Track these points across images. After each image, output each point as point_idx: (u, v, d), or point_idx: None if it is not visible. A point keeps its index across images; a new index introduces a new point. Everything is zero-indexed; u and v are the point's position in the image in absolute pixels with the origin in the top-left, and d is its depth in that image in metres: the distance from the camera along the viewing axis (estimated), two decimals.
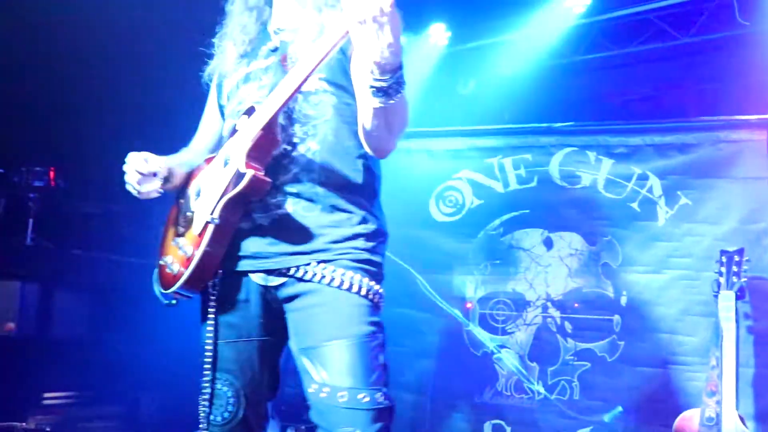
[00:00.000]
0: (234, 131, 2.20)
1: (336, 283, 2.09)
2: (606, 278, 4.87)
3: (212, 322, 2.21)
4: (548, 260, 5.02)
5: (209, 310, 2.22)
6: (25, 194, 6.58)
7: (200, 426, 2.26)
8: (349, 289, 2.10)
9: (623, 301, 4.82)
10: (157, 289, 2.32)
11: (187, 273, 2.14)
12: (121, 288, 6.51)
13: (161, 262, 2.31)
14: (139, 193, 2.30)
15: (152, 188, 2.31)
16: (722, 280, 4.06)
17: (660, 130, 4.94)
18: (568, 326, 4.93)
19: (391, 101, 1.90)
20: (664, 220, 4.81)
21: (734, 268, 4.08)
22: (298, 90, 2.02)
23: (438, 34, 6.57)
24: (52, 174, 6.75)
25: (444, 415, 5.05)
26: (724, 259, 4.10)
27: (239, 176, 2.04)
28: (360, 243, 2.17)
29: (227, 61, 2.39)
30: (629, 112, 6.57)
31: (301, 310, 2.15)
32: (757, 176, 4.65)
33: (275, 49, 2.29)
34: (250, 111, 2.14)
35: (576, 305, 4.92)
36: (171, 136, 6.89)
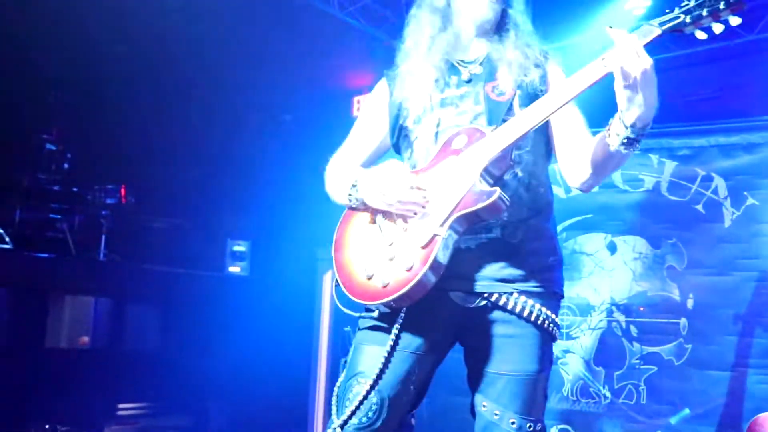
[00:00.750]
0: (445, 149, 2.28)
1: (532, 317, 2.23)
2: (671, 281, 4.87)
3: (396, 331, 2.26)
4: (612, 264, 5.03)
5: (399, 319, 2.26)
6: (98, 211, 6.84)
7: (330, 425, 2.31)
8: (538, 324, 2.24)
9: (690, 303, 4.81)
10: (339, 301, 2.33)
11: (409, 285, 2.12)
12: (189, 300, 6.72)
13: (361, 273, 2.27)
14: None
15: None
16: None
17: (724, 130, 4.92)
18: (633, 330, 4.93)
19: (632, 150, 2.08)
20: (730, 221, 4.79)
21: None
22: (538, 125, 2.14)
23: None
24: (123, 191, 7.00)
25: None
26: None
27: (481, 192, 2.11)
28: (553, 275, 2.33)
29: (412, 84, 2.47)
30: (693, 113, 6.52)
31: (493, 337, 2.26)
32: None
33: (469, 80, 2.41)
34: (471, 133, 2.23)
35: (641, 309, 4.92)
36: (230, 155, 7.13)
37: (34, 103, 6.48)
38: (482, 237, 2.24)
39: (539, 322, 2.23)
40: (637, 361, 4.88)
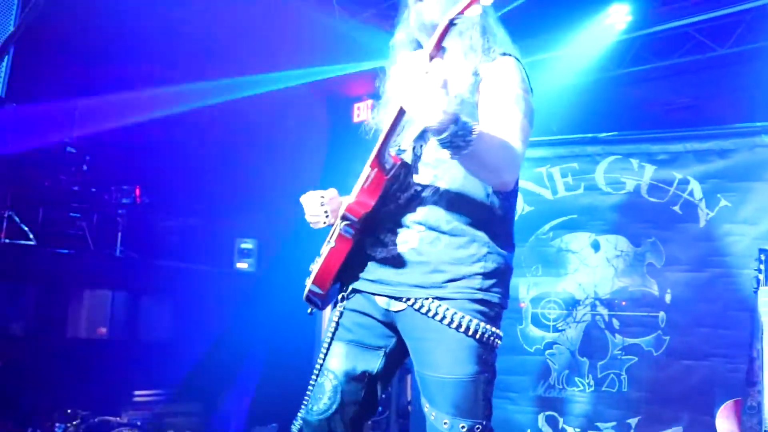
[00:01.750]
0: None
1: (447, 321, 2.16)
2: (651, 277, 4.92)
3: (334, 325, 2.38)
4: (596, 261, 5.07)
5: (334, 318, 2.39)
6: (114, 210, 6.89)
7: (299, 412, 2.41)
8: (463, 330, 2.16)
9: (668, 298, 4.87)
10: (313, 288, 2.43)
11: (313, 275, 2.34)
12: (199, 295, 6.76)
13: (312, 268, 2.44)
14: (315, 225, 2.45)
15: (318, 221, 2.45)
16: (761, 277, 4.06)
17: (699, 137, 4.97)
18: (615, 323, 4.98)
19: (465, 152, 1.92)
20: (705, 221, 4.85)
21: None
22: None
23: None
24: (137, 191, 7.04)
25: (501, 408, 5.14)
26: (762, 257, 4.10)
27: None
28: (476, 283, 2.21)
29: (380, 109, 2.58)
30: (671, 120, 6.61)
31: (417, 340, 2.27)
32: None
33: None
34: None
35: (623, 303, 4.97)
36: (238, 157, 7.15)
37: (55, 108, 6.52)
38: (403, 245, 2.27)
39: (458, 326, 2.16)
40: (619, 352, 4.92)
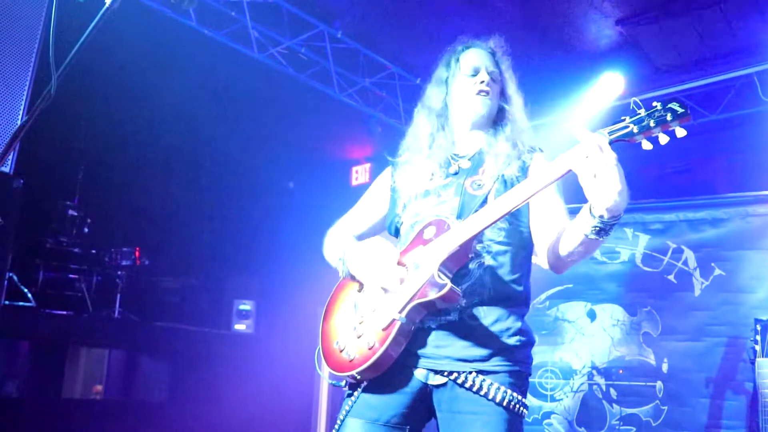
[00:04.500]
0: (417, 239, 2.29)
1: (491, 395, 2.16)
2: (647, 346, 4.89)
3: (353, 400, 2.29)
4: (592, 331, 5.04)
5: (356, 393, 2.30)
6: (114, 272, 6.87)
7: None
8: (500, 404, 2.16)
9: (665, 368, 4.83)
10: (320, 367, 2.36)
11: (368, 363, 2.18)
12: (197, 356, 6.71)
13: (335, 345, 2.32)
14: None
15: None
16: (758, 347, 4.04)
17: (692, 206, 4.99)
18: (613, 392, 4.93)
19: (605, 237, 2.02)
20: (700, 290, 4.83)
21: None
22: (502, 217, 2.13)
23: None
24: (137, 253, 7.04)
25: None
26: (758, 328, 4.08)
27: (435, 284, 2.12)
28: (515, 356, 2.25)
29: (408, 175, 2.51)
30: (665, 185, 6.63)
31: (455, 413, 2.22)
32: None
33: (456, 173, 2.43)
34: (439, 224, 2.24)
35: (620, 372, 4.92)
36: (237, 220, 7.16)
37: (61, 173, 6.56)
38: (442, 319, 2.23)
39: (498, 400, 2.16)
40: (617, 422, 4.87)
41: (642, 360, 4.88)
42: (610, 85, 6.49)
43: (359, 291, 2.37)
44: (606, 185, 1.91)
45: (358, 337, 2.26)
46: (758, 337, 4.08)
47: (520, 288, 2.33)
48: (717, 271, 4.80)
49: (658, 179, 6.73)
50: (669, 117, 1.89)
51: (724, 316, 4.75)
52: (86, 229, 6.88)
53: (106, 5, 2.16)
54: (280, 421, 6.47)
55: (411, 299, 2.17)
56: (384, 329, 2.20)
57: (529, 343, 2.32)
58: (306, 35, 6.31)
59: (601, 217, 1.98)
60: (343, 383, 2.34)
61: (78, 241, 6.80)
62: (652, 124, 1.91)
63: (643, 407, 4.83)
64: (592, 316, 5.05)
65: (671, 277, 4.91)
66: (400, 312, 2.17)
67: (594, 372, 4.99)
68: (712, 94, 6.48)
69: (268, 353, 6.90)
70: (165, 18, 5.41)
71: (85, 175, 6.84)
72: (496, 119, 2.52)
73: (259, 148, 7.41)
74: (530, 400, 5.08)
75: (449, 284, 2.10)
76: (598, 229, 2.00)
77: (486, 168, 2.40)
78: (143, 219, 7.10)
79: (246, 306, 7.25)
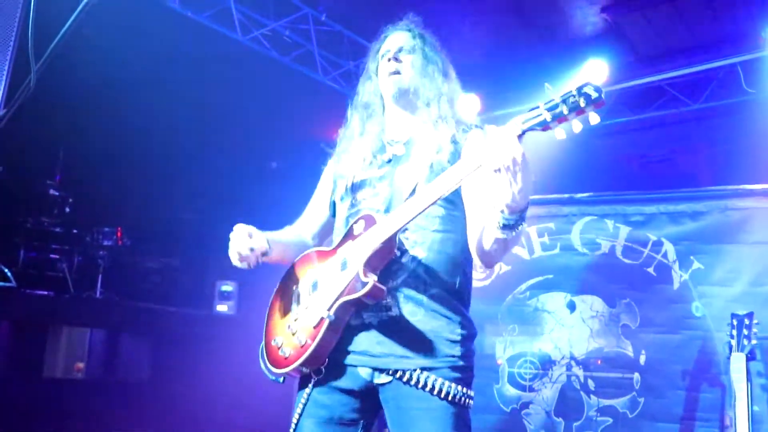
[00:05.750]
0: (348, 233, 2.29)
1: (436, 391, 2.16)
2: (626, 338, 4.89)
3: (304, 401, 2.29)
4: (572, 322, 5.03)
5: (306, 391, 2.30)
6: (95, 252, 6.80)
7: None
8: (446, 398, 2.16)
9: (642, 360, 4.84)
10: (264, 364, 2.37)
11: (300, 360, 2.20)
12: (178, 336, 6.68)
13: (273, 343, 2.34)
14: (239, 262, 2.35)
15: (251, 261, 2.33)
16: (733, 342, 4.05)
17: (672, 199, 4.98)
18: (591, 384, 4.94)
19: (513, 233, 2.02)
20: (679, 283, 4.84)
21: (744, 331, 4.07)
22: (420, 213, 2.10)
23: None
24: (119, 233, 6.97)
25: None
26: (734, 323, 4.09)
27: (359, 282, 2.11)
28: (457, 350, 2.23)
29: (344, 163, 2.49)
30: (647, 174, 6.64)
31: (402, 410, 2.22)
32: (765, 241, 4.68)
33: (389, 161, 2.40)
34: (368, 219, 2.23)
35: (599, 363, 4.94)
36: (219, 200, 7.09)
37: (41, 153, 6.46)
38: (383, 315, 2.22)
39: (443, 395, 2.17)
40: (594, 413, 4.88)
41: (620, 351, 4.89)
42: (594, 72, 6.45)
43: (295, 288, 2.38)
44: (508, 181, 1.89)
45: (293, 334, 2.26)
46: (734, 332, 4.09)
47: (457, 278, 2.30)
48: (696, 265, 4.80)
49: (640, 168, 6.74)
50: (582, 102, 1.81)
51: (702, 309, 4.75)
52: (67, 209, 6.80)
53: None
54: (261, 402, 6.46)
55: (338, 297, 2.17)
56: (314, 327, 2.21)
57: (470, 336, 2.31)
58: (290, 18, 6.22)
59: (502, 212, 1.98)
60: (281, 379, 2.34)
61: (59, 221, 6.73)
62: (565, 110, 1.84)
63: (620, 398, 4.84)
64: (571, 307, 5.05)
65: (651, 270, 4.91)
66: (329, 310, 2.17)
67: (572, 363, 5.00)
68: (696, 84, 6.48)
69: (250, 335, 6.82)
70: (146, 1, 5.30)
71: (66, 154, 6.75)
72: (421, 94, 2.46)
73: (241, 130, 7.33)
74: (509, 390, 5.16)
75: (371, 282, 2.09)
76: (502, 224, 2.00)
77: (418, 153, 2.35)
78: (125, 199, 7.03)
79: (228, 287, 7.20)
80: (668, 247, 4.89)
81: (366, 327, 2.23)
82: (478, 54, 6.38)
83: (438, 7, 5.82)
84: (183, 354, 6.56)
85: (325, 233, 2.65)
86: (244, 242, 2.30)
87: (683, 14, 5.99)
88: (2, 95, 3.12)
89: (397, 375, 2.19)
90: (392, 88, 2.44)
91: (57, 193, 6.74)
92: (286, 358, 2.26)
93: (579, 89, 1.82)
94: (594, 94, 1.81)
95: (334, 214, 2.57)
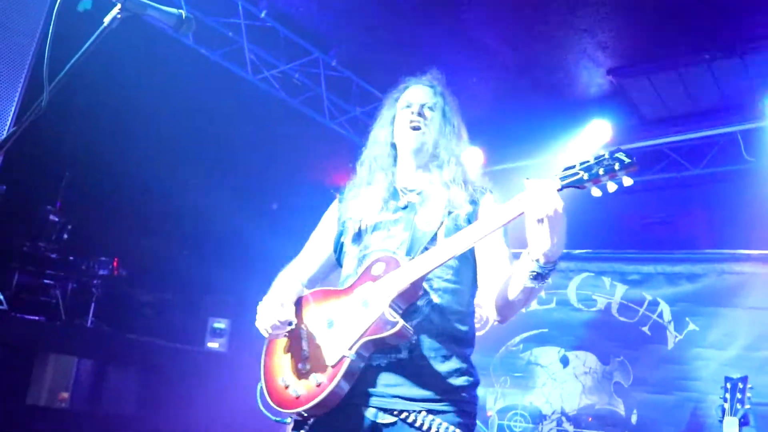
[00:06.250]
0: (365, 274, 2.27)
1: None
2: (618, 396, 4.88)
3: None
4: (564, 377, 5.03)
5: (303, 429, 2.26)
6: (90, 281, 6.77)
7: None
8: None
9: (634, 419, 4.81)
10: (263, 404, 2.30)
11: (316, 400, 2.15)
12: (167, 371, 6.61)
13: (279, 382, 2.28)
14: (267, 333, 2.29)
15: (281, 333, 2.29)
16: (726, 406, 4.03)
17: (670, 260, 5.02)
18: None
19: (542, 283, 2.08)
20: (673, 344, 4.84)
21: (738, 395, 4.06)
22: (452, 257, 2.15)
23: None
24: (115, 263, 6.95)
25: None
26: (728, 386, 4.08)
27: (386, 322, 2.12)
28: (464, 396, 2.25)
29: (354, 207, 2.49)
30: (645, 235, 6.66)
31: None
32: (761, 306, 4.70)
33: (405, 207, 2.42)
34: (389, 261, 2.23)
35: (589, 419, 4.90)
36: (217, 238, 7.07)
37: (45, 177, 6.49)
38: (392, 357, 2.21)
39: None
40: None
41: (612, 410, 4.86)
42: (597, 132, 6.52)
43: (304, 327, 2.34)
44: (548, 231, 1.96)
45: (305, 374, 2.23)
46: (727, 395, 4.07)
47: (466, 327, 2.34)
48: (691, 326, 4.82)
49: (640, 229, 6.76)
50: (617, 166, 1.94)
51: (696, 371, 4.76)
52: (65, 236, 6.77)
53: (104, 24, 2.14)
54: None
55: (361, 336, 2.15)
56: (333, 366, 2.18)
57: (475, 383, 2.32)
58: (301, 61, 6.33)
59: (538, 261, 2.02)
60: (288, 419, 2.29)
61: (56, 247, 6.70)
62: (601, 172, 1.96)
63: None
64: (564, 362, 5.04)
65: (645, 329, 4.92)
66: (350, 349, 2.15)
67: (563, 418, 4.96)
68: (697, 149, 6.54)
69: (240, 373, 6.80)
70: (160, 34, 5.40)
71: (69, 181, 6.77)
72: (438, 153, 2.51)
73: (245, 168, 7.39)
74: None
75: (401, 322, 2.10)
76: (535, 274, 2.04)
77: (435, 204, 2.39)
78: (124, 230, 7.02)
79: (221, 324, 7.15)
80: (664, 308, 4.91)
81: (375, 368, 2.21)
82: (483, 107, 6.45)
83: (447, 59, 5.96)
84: (171, 389, 6.47)
85: (317, 278, 2.63)
86: (276, 314, 2.25)
87: (686, 81, 6.10)
88: (14, 114, 3.19)
89: (402, 416, 2.18)
90: (413, 143, 2.48)
91: (56, 219, 6.72)
92: (297, 398, 2.21)
93: (612, 154, 1.97)
94: (627, 160, 1.95)
95: (339, 257, 2.56)
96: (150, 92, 6.14)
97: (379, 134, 2.61)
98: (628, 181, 1.96)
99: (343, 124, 6.93)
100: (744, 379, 4.10)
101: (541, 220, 1.96)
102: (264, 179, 7.54)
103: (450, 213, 2.35)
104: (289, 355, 2.32)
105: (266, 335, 2.30)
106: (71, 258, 6.81)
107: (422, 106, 2.51)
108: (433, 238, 2.30)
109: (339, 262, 2.57)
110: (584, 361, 4.99)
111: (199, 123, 6.58)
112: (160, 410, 6.32)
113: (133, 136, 6.44)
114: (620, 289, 5.00)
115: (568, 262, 5.15)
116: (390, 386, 2.20)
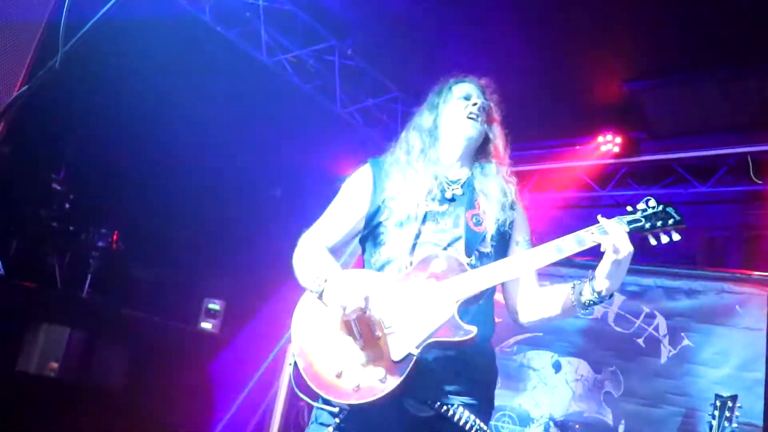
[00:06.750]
0: (424, 267, 2.28)
1: (467, 427, 2.22)
2: (607, 405, 4.89)
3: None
4: (555, 382, 5.04)
5: (335, 420, 2.24)
6: (88, 252, 6.78)
7: None
8: None
9: (621, 429, 4.83)
10: (298, 387, 2.24)
11: (379, 395, 2.12)
12: (158, 348, 6.62)
13: (330, 368, 2.22)
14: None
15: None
16: (714, 423, 4.04)
17: (670, 274, 5.03)
18: None
19: (588, 311, 2.31)
20: (666, 357, 4.86)
21: (727, 413, 4.05)
22: (522, 272, 2.33)
23: None
24: (115, 236, 6.96)
25: None
26: (718, 404, 4.07)
27: (459, 328, 2.16)
28: (490, 390, 2.39)
29: (398, 188, 2.48)
30: (647, 247, 6.66)
31: None
32: (756, 327, 4.72)
33: (452, 200, 2.47)
34: (452, 262, 2.28)
35: (577, 426, 4.91)
36: (219, 220, 7.10)
37: (48, 145, 6.49)
38: (441, 353, 2.22)
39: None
40: None
41: (600, 418, 4.88)
42: (606, 142, 6.54)
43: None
44: (621, 270, 2.19)
45: (362, 365, 2.18)
46: (716, 413, 4.07)
47: (492, 324, 2.45)
48: (685, 342, 4.83)
49: (640, 240, 6.77)
50: (671, 222, 2.25)
51: (686, 386, 4.77)
52: (67, 205, 6.79)
53: None
54: (235, 423, 6.40)
55: (430, 336, 2.17)
56: (397, 362, 2.15)
57: (497, 378, 2.45)
58: (316, 47, 6.32)
59: (600, 293, 2.22)
60: (336, 409, 2.22)
61: (57, 216, 6.71)
62: (659, 224, 2.25)
63: None
64: (557, 367, 5.05)
65: (640, 341, 4.93)
66: (417, 347, 2.15)
67: (551, 423, 4.98)
68: (705, 167, 6.54)
69: (231, 355, 6.82)
70: (178, 9, 5.40)
71: (74, 151, 6.77)
72: (482, 150, 2.58)
73: (250, 150, 7.38)
74: None
75: (475, 331, 2.15)
76: (592, 302, 2.25)
77: (481, 204, 2.46)
78: (126, 204, 7.00)
79: (215, 306, 7.16)
80: (660, 321, 4.92)
81: (420, 362, 2.17)
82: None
83: (464, 58, 5.95)
84: (161, 366, 6.48)
85: (339, 249, 2.59)
86: (359, 302, 2.15)
87: (700, 98, 6.09)
88: (25, 74, 3.19)
89: (443, 409, 2.23)
90: (471, 131, 2.53)
91: (59, 188, 6.74)
92: (356, 390, 2.15)
93: (665, 208, 2.28)
94: (677, 217, 2.26)
95: (370, 234, 2.52)
96: (161, 71, 6.14)
97: (425, 119, 2.62)
98: (676, 237, 2.25)
99: (354, 113, 6.92)
100: (734, 398, 4.09)
101: (618, 262, 2.17)
102: (269, 163, 7.53)
103: (496, 219, 2.44)
104: (338, 341, 2.24)
105: (343, 317, 2.17)
106: (71, 228, 6.82)
107: (478, 101, 2.56)
108: (483, 240, 2.39)
109: (363, 239, 2.55)
110: (576, 368, 5.00)
111: (209, 102, 6.57)
112: (149, 385, 6.33)
113: (140, 109, 6.42)
114: (618, 299, 5.01)
115: (568, 269, 5.15)
116: (433, 379, 2.23)
